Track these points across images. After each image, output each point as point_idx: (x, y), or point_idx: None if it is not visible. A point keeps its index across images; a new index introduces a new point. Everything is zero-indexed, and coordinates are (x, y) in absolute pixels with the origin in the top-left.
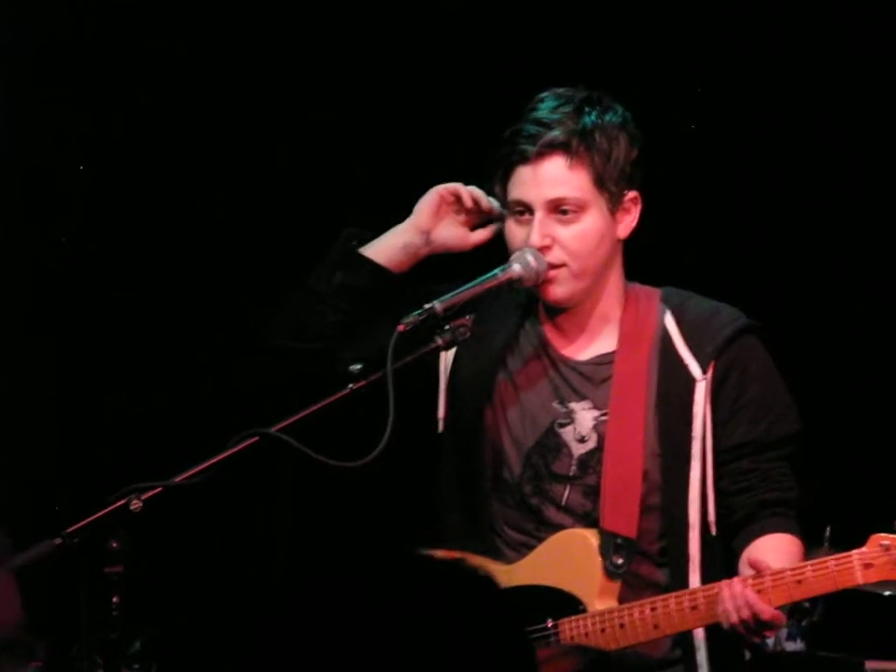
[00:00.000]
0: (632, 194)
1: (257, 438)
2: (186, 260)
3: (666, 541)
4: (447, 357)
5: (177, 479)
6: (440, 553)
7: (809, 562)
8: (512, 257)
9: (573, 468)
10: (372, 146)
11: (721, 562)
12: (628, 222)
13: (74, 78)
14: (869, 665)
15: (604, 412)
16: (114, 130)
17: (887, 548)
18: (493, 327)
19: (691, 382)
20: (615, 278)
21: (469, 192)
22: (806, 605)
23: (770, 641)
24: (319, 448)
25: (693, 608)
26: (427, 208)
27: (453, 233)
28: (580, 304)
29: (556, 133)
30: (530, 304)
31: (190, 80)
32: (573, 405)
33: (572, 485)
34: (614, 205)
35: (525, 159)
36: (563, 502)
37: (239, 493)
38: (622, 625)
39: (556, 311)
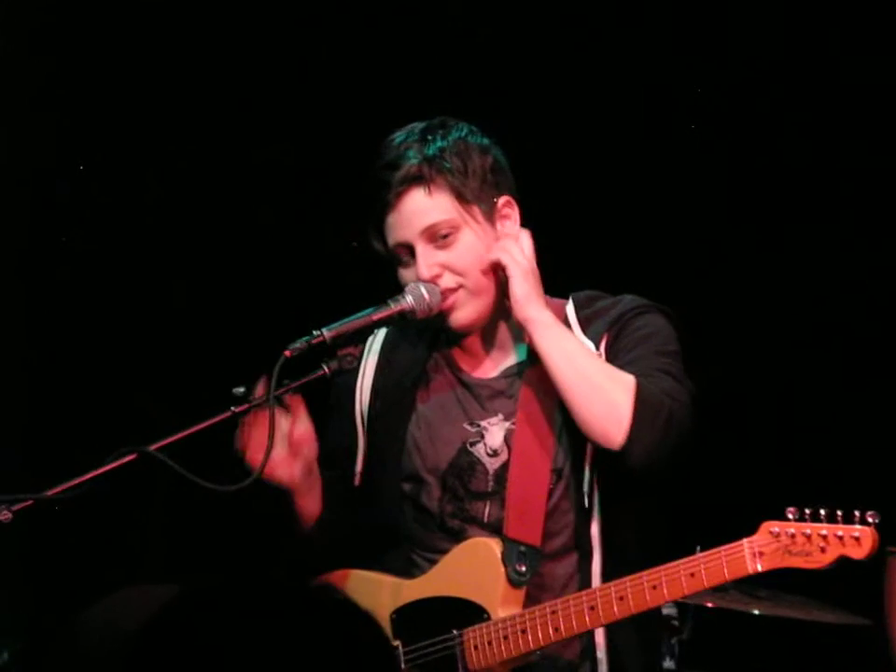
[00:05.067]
0: (503, 199)
1: (135, 455)
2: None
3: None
4: (362, 408)
5: (49, 492)
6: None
7: (701, 554)
8: (406, 289)
9: (490, 483)
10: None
11: (638, 553)
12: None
13: (72, 78)
14: None
15: (513, 421)
16: (113, 130)
17: (777, 535)
18: (403, 366)
19: None
20: None
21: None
22: (675, 623)
23: None
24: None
25: (592, 608)
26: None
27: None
28: (486, 325)
29: (406, 169)
30: (438, 336)
31: (190, 81)
32: (484, 422)
33: (491, 501)
34: (488, 215)
35: (388, 206)
36: (485, 519)
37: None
38: (523, 631)
39: (465, 335)
